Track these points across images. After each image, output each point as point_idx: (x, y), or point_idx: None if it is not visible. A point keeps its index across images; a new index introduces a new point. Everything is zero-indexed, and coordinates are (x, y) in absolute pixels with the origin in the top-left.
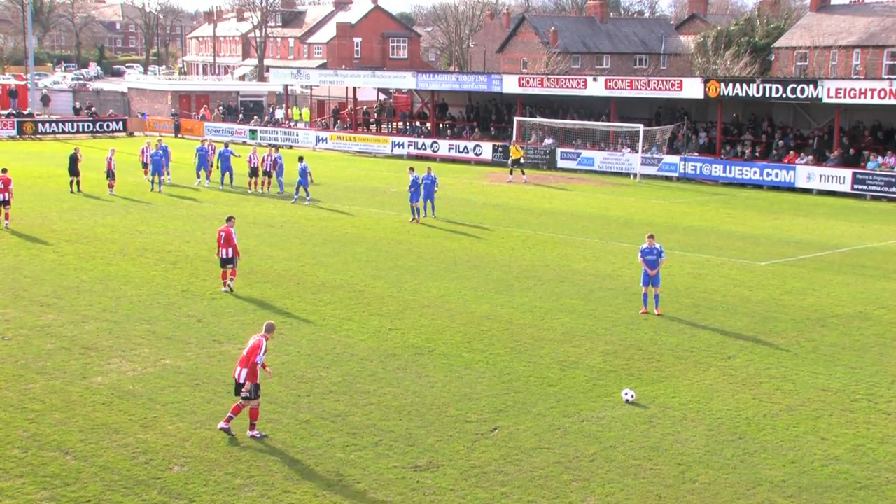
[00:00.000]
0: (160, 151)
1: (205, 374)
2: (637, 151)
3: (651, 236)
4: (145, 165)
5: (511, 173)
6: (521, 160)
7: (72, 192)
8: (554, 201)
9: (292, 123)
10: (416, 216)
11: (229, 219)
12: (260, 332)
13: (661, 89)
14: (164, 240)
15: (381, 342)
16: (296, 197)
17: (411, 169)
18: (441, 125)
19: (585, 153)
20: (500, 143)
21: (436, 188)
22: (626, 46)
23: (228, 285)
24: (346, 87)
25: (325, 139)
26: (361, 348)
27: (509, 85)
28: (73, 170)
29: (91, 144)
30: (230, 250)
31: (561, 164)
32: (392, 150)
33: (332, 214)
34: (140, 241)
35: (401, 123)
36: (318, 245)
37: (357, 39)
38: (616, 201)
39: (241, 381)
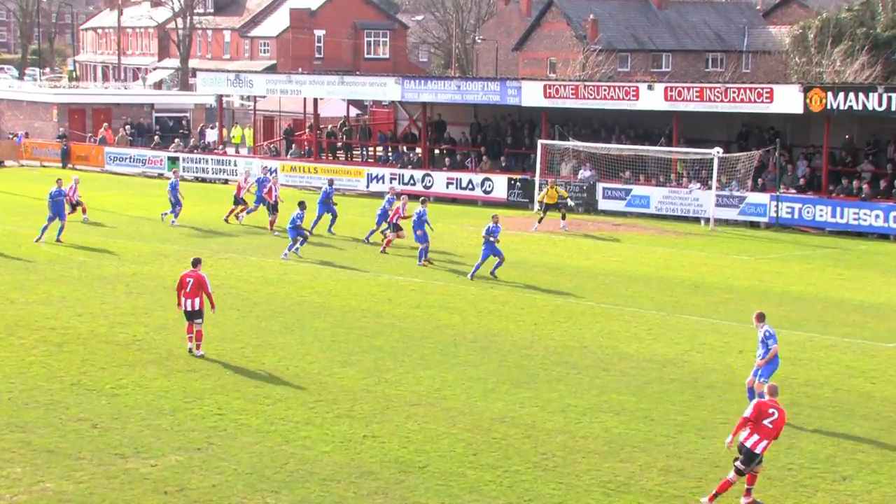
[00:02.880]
0: (65, 190)
1: (102, 502)
2: (710, 187)
3: (760, 316)
4: (73, 206)
5: (540, 221)
6: (568, 202)
7: None
8: (594, 257)
9: (229, 149)
10: (425, 257)
11: (196, 262)
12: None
13: (743, 101)
14: (46, 312)
15: (352, 455)
16: (287, 253)
17: (423, 201)
18: (437, 151)
19: (638, 190)
20: (519, 177)
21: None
22: (693, 41)
23: (197, 344)
24: (304, 99)
25: (275, 171)
26: (324, 464)
27: (531, 95)
28: None
29: None
30: (197, 301)
31: (604, 204)
32: (368, 186)
33: (284, 276)
34: (12, 315)
35: (380, 149)
36: (264, 319)
37: (319, 32)
38: (680, 257)
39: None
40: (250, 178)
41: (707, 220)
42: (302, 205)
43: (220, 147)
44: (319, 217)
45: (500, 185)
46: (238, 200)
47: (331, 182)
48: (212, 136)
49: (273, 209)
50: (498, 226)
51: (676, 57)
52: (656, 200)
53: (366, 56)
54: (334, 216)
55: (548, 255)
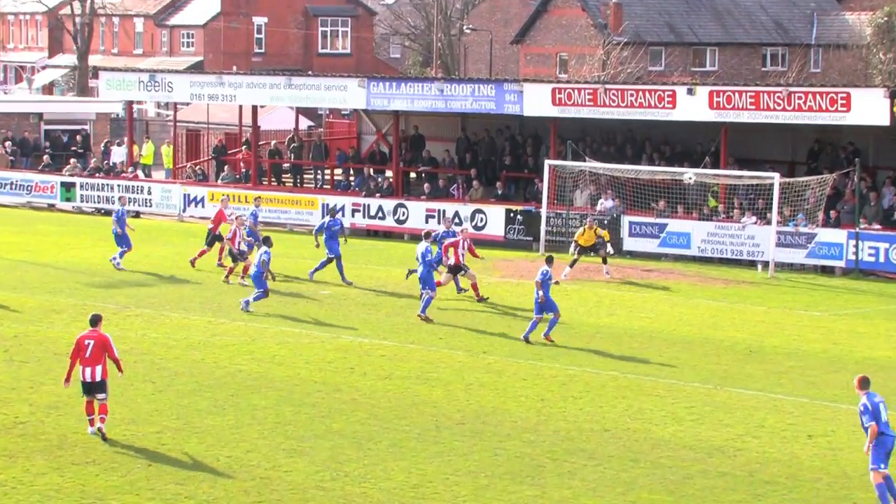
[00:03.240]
0: None
1: None
2: (769, 221)
3: (862, 382)
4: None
5: (572, 265)
6: (608, 247)
7: None
8: (618, 312)
9: (140, 172)
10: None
11: (95, 320)
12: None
13: (811, 109)
14: None
15: None
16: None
17: (454, 218)
18: (413, 175)
19: (675, 225)
20: (519, 208)
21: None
22: (747, 32)
23: (99, 427)
24: (240, 107)
25: (201, 200)
26: None
27: (536, 101)
28: None
29: None
30: (99, 369)
31: (631, 244)
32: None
33: (213, 337)
34: None
35: (339, 172)
36: (187, 394)
37: (259, 20)
38: (731, 312)
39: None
40: (231, 209)
41: (765, 265)
42: (268, 241)
43: (130, 170)
44: (330, 261)
45: (495, 218)
46: (214, 239)
47: (333, 212)
48: (119, 155)
49: (241, 254)
50: (549, 270)
51: (725, 52)
52: (699, 238)
53: (320, 51)
54: (338, 258)
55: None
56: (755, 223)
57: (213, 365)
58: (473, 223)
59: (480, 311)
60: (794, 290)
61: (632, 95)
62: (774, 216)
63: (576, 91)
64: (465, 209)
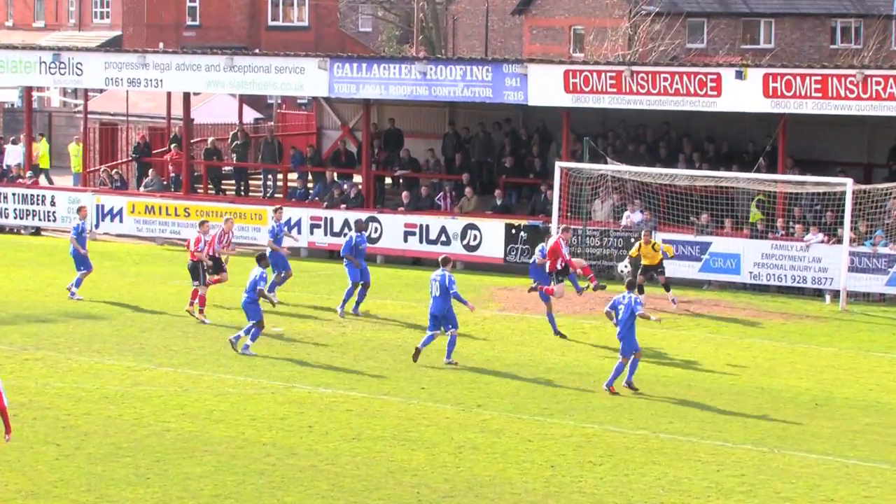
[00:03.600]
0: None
1: None
2: (840, 240)
3: None
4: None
5: (641, 289)
6: (661, 269)
7: None
8: (647, 355)
9: (38, 178)
10: None
11: None
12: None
13: (893, 97)
14: None
15: None
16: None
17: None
18: (388, 181)
19: (720, 244)
20: (523, 222)
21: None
22: (811, 1)
23: None
24: (169, 95)
25: (119, 212)
26: None
27: (544, 87)
28: None
29: None
30: None
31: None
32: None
33: (135, 387)
34: None
35: (295, 178)
36: (101, 460)
37: None
38: (791, 355)
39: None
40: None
41: (835, 295)
42: (262, 261)
43: (29, 174)
44: (357, 286)
45: (492, 235)
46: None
47: (361, 226)
48: (14, 155)
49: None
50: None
51: (783, 25)
52: (751, 261)
53: (270, 23)
54: (365, 284)
55: (572, 351)
56: (822, 242)
57: (133, 423)
58: (465, 242)
59: (472, 350)
60: (871, 326)
61: (665, 80)
62: (847, 233)
63: (594, 74)
64: (454, 224)
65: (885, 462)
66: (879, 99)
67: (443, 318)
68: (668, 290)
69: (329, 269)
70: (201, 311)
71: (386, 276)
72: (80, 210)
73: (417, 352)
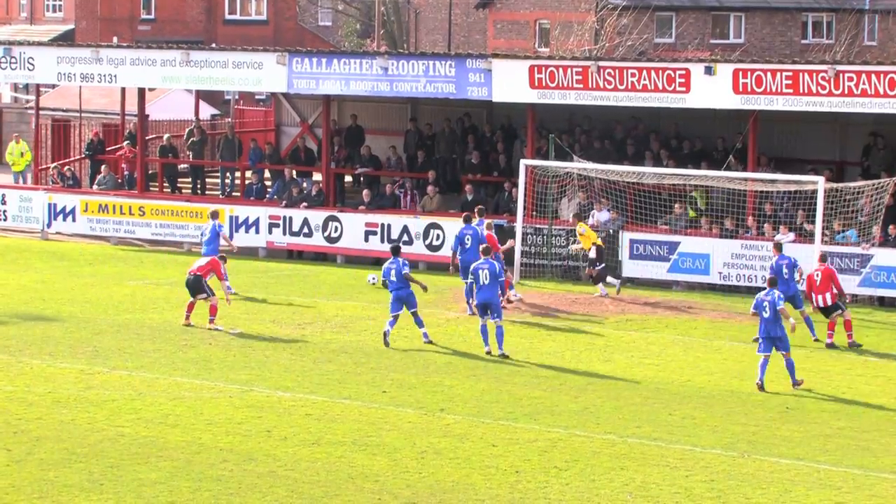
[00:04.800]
0: None
1: None
2: (814, 238)
3: None
4: None
5: (600, 280)
6: (602, 260)
7: None
8: (615, 358)
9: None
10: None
11: None
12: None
13: (865, 93)
14: None
15: None
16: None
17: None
18: (348, 179)
19: (688, 244)
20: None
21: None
22: None
23: None
24: (123, 90)
25: (72, 211)
26: None
27: (509, 83)
28: None
29: None
30: None
31: (632, 268)
32: (232, 238)
33: (88, 390)
34: None
35: (251, 175)
36: (53, 466)
37: None
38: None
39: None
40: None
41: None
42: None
43: None
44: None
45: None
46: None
47: (469, 218)
48: None
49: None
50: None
51: (753, 19)
52: (720, 261)
53: (227, 17)
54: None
55: (538, 354)
56: (793, 241)
57: (86, 428)
58: (427, 242)
59: (435, 352)
60: (842, 328)
61: (633, 76)
62: (818, 232)
63: (560, 70)
64: (417, 223)
65: (857, 467)
66: (852, 95)
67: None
68: (596, 282)
69: (275, 269)
70: (211, 321)
71: (347, 277)
72: (214, 214)
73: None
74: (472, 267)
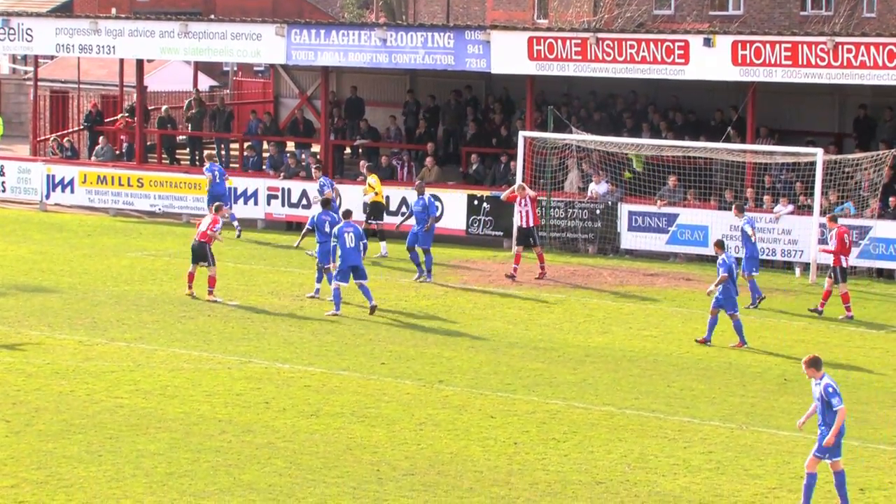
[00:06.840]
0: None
1: None
2: (812, 210)
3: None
4: None
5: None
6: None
7: None
8: (613, 329)
9: None
10: (422, 273)
11: None
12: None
13: (864, 65)
14: None
15: None
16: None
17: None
18: (347, 150)
19: (687, 216)
20: (486, 193)
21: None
22: None
23: None
24: (121, 62)
25: (70, 183)
26: None
27: (507, 55)
28: None
29: None
30: None
31: (630, 240)
32: (231, 209)
33: (87, 361)
34: None
35: (249, 147)
36: (52, 437)
37: None
38: (760, 329)
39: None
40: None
41: (805, 267)
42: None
43: None
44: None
45: (454, 207)
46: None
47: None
48: None
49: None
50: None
51: None
52: (719, 233)
53: None
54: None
55: (536, 326)
56: (791, 213)
57: (85, 399)
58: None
59: (434, 325)
60: (841, 300)
61: (631, 47)
62: (817, 204)
63: (559, 41)
64: (415, 195)
65: (856, 438)
66: (850, 67)
67: (361, 269)
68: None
69: (274, 240)
70: (210, 293)
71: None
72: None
73: (373, 309)
74: (335, 229)
